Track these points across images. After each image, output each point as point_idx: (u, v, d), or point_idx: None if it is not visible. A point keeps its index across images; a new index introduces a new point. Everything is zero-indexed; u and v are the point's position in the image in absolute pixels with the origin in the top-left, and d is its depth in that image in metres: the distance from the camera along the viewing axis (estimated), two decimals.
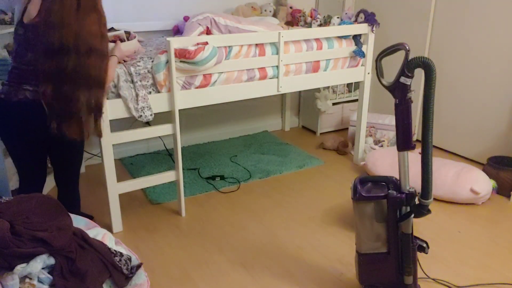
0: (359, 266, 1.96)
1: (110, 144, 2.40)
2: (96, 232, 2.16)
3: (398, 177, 1.85)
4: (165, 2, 3.42)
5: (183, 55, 2.40)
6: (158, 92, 2.49)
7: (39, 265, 1.72)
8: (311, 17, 3.30)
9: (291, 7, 3.61)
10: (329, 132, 4.19)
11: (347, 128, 4.15)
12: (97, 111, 2.01)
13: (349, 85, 4.26)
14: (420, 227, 2.63)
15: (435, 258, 2.35)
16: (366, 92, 3.29)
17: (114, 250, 2.00)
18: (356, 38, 3.10)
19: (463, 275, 2.22)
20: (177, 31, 3.32)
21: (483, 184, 2.86)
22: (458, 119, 3.57)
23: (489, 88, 3.31)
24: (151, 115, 2.45)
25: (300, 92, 4.27)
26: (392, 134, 3.75)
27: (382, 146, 3.57)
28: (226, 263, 2.32)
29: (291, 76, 2.91)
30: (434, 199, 2.90)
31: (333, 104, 4.12)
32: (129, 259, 2.01)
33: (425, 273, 2.21)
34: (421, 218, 2.54)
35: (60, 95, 1.90)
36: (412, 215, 1.81)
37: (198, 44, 2.47)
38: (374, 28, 3.08)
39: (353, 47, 3.09)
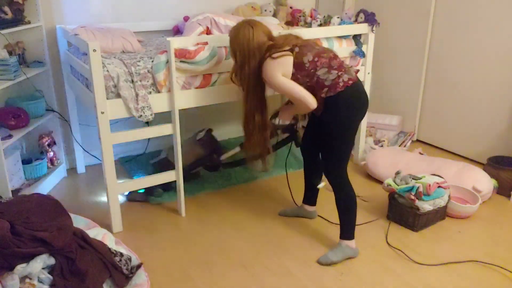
0: None
1: (110, 144, 2.40)
2: (96, 232, 2.16)
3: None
4: (165, 2, 3.42)
5: (183, 55, 2.40)
6: (158, 92, 2.49)
7: (39, 265, 1.72)
8: (311, 17, 3.30)
9: (291, 7, 3.61)
10: None
11: None
12: None
13: None
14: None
15: (436, 258, 2.35)
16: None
17: (114, 250, 2.01)
18: (356, 38, 3.10)
19: (463, 275, 2.22)
20: (177, 31, 3.32)
21: (485, 182, 2.87)
22: (458, 119, 3.57)
23: (489, 88, 3.31)
24: (151, 115, 2.45)
25: None
26: (392, 134, 3.75)
27: (382, 146, 3.57)
28: (226, 263, 2.32)
29: None
30: None
31: None
32: (129, 259, 2.02)
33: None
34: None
35: None
36: None
37: (198, 44, 2.47)
38: (374, 28, 3.08)
39: (353, 47, 3.08)
